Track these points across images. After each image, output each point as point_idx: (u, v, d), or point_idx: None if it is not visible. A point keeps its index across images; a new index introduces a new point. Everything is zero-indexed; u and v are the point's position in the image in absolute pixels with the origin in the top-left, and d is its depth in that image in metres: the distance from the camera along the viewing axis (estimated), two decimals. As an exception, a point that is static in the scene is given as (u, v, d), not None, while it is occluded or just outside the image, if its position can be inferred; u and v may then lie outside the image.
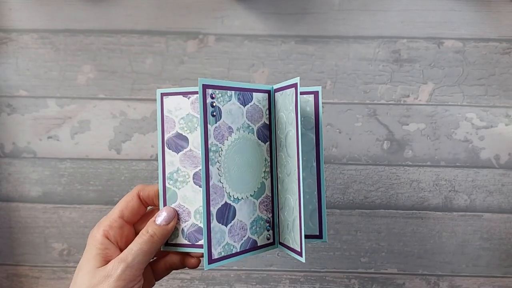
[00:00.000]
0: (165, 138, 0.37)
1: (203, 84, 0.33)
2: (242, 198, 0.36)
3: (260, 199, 0.37)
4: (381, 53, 0.53)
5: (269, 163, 0.38)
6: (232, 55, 0.54)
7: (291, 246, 0.36)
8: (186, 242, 0.37)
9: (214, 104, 0.34)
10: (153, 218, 0.36)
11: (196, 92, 0.35)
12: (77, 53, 0.54)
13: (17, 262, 0.59)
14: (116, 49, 0.54)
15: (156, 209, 0.39)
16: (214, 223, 0.34)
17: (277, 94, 0.37)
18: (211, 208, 0.34)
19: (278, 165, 0.37)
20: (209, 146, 0.33)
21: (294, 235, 0.35)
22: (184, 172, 0.36)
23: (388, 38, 0.53)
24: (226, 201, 0.35)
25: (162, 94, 0.36)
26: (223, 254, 0.35)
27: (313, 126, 0.36)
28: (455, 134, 0.55)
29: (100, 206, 0.58)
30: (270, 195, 0.38)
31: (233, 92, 0.35)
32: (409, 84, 0.54)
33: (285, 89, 0.35)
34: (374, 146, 0.55)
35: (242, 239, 0.36)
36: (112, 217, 0.36)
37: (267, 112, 0.37)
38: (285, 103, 0.35)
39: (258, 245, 0.37)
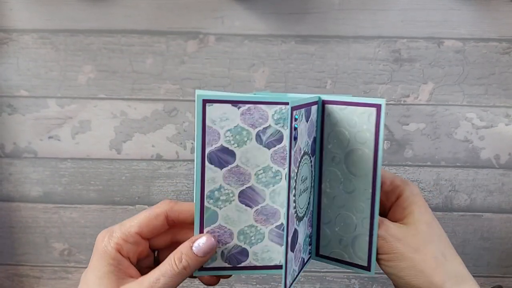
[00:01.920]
0: (207, 152, 0.32)
1: (292, 107, 0.29)
2: (301, 220, 0.34)
3: (308, 216, 0.35)
4: (381, 52, 0.53)
5: (313, 178, 0.36)
6: (232, 55, 0.54)
7: (349, 260, 0.35)
8: (225, 265, 0.34)
9: (295, 127, 0.30)
10: (188, 244, 0.31)
11: (249, 102, 0.31)
12: (77, 53, 0.54)
13: (18, 262, 0.59)
14: (116, 49, 0.54)
15: (180, 225, 0.34)
16: (290, 255, 0.31)
17: (332, 107, 0.34)
18: (289, 239, 0.30)
19: (326, 180, 0.36)
20: (291, 172, 0.30)
21: (355, 251, 0.35)
22: (228, 190, 0.33)
23: (388, 37, 0.53)
24: (295, 228, 0.32)
25: (205, 101, 0.31)
26: (291, 281, 0.33)
27: (366, 141, 0.33)
28: (455, 134, 0.55)
29: (101, 206, 0.58)
30: (312, 209, 0.36)
31: (303, 109, 0.31)
32: (409, 84, 0.54)
33: (353, 105, 0.33)
34: (374, 145, 0.55)
35: (298, 261, 0.34)
36: (128, 230, 0.31)
37: (318, 126, 0.35)
38: (351, 119, 0.33)
39: (305, 261, 0.36)
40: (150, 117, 0.55)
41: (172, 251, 0.32)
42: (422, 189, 0.56)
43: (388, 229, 0.34)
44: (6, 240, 0.59)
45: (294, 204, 0.31)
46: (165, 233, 0.34)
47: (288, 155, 0.29)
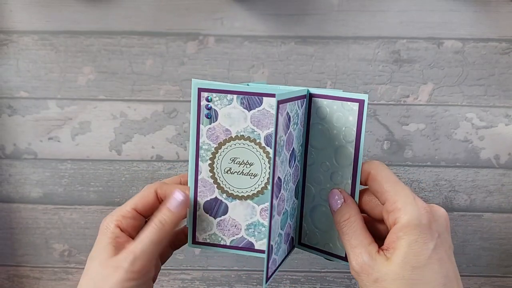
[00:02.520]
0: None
1: (198, 88, 0.33)
2: (238, 199, 0.36)
3: (262, 206, 0.36)
4: (381, 53, 0.53)
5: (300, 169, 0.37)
6: (232, 56, 0.54)
7: (333, 252, 0.36)
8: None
9: (209, 107, 0.34)
10: (164, 202, 0.34)
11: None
12: (77, 54, 0.54)
13: (18, 263, 0.59)
14: (116, 51, 0.54)
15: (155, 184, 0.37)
16: (201, 211, 0.36)
17: (320, 101, 0.35)
18: (199, 199, 0.36)
19: (312, 172, 0.37)
20: (200, 144, 0.34)
21: (339, 242, 0.35)
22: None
23: (387, 38, 0.53)
24: (216, 197, 0.36)
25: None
26: (208, 241, 0.36)
27: (354, 139, 0.34)
28: (455, 134, 0.55)
29: (101, 207, 0.58)
30: (299, 201, 0.37)
31: (235, 96, 0.34)
32: (409, 85, 0.54)
33: (336, 99, 0.34)
34: (374, 146, 0.55)
35: (234, 236, 0.37)
36: (125, 208, 0.35)
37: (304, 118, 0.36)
38: (337, 114, 0.34)
39: (255, 248, 0.37)
40: (150, 118, 0.55)
41: None
42: (422, 189, 0.56)
43: (365, 266, 0.29)
44: (6, 241, 0.59)
45: (211, 174, 0.35)
46: (148, 197, 0.36)
47: (194, 128, 0.33)
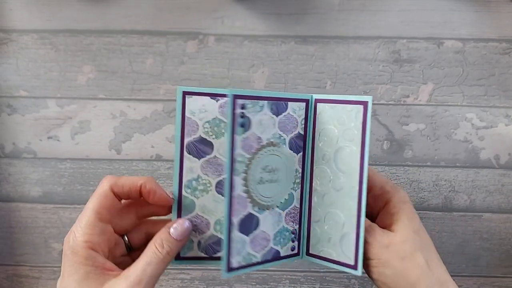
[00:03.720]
0: (185, 142, 0.33)
1: (233, 95, 0.31)
2: (267, 209, 0.34)
3: (287, 210, 0.36)
4: (381, 53, 0.53)
5: (300, 174, 0.36)
6: (232, 55, 0.54)
7: (337, 259, 0.35)
8: (202, 254, 0.35)
9: (244, 115, 0.32)
10: (165, 229, 0.31)
11: (226, 95, 0.33)
12: (77, 53, 0.54)
13: (17, 263, 0.59)
14: (116, 50, 0.54)
15: (133, 202, 0.35)
16: (235, 233, 0.33)
17: (324, 106, 0.35)
18: (233, 218, 0.32)
19: (318, 178, 0.36)
20: (234, 156, 0.31)
21: (343, 249, 0.35)
22: (206, 180, 0.34)
23: (388, 38, 0.53)
24: (249, 212, 0.33)
25: (185, 93, 0.33)
26: (242, 263, 0.34)
27: (354, 139, 0.34)
28: (455, 134, 0.55)
29: (100, 206, 0.58)
30: (298, 206, 0.37)
31: (265, 102, 0.33)
32: (409, 85, 0.54)
33: (342, 103, 0.34)
34: (374, 146, 0.55)
35: (264, 249, 0.35)
36: (89, 222, 0.30)
37: (303, 122, 0.35)
38: (340, 117, 0.34)
39: (281, 255, 0.36)
40: (150, 117, 0.55)
41: (140, 229, 0.33)
42: (422, 189, 0.56)
43: (376, 235, 0.34)
44: (5, 240, 0.59)
45: (245, 188, 0.32)
46: (127, 214, 0.34)
47: (230, 139, 0.30)
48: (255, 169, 0.33)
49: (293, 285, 0.59)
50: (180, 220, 0.32)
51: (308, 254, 0.38)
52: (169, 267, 0.58)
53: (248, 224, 0.34)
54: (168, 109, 0.55)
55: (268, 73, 0.54)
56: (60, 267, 0.59)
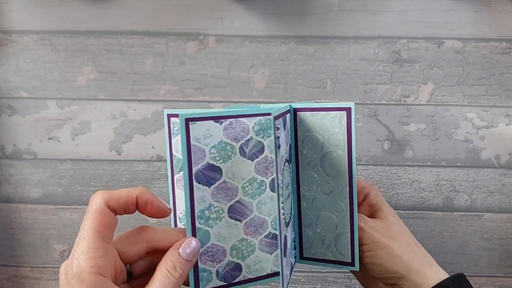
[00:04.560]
0: (194, 171, 0.31)
1: (274, 117, 0.28)
2: (287, 225, 0.34)
3: (291, 221, 0.36)
4: (381, 53, 0.53)
5: (293, 183, 0.37)
6: (232, 56, 0.54)
7: (333, 258, 0.37)
8: (221, 283, 0.33)
9: (278, 136, 0.30)
10: (175, 251, 0.29)
11: (230, 117, 0.31)
12: (77, 54, 0.54)
13: (18, 263, 0.59)
14: (116, 50, 0.54)
15: (143, 230, 0.32)
16: (284, 260, 0.32)
17: (302, 114, 0.35)
18: (282, 242, 0.31)
19: (304, 184, 0.37)
20: (279, 180, 0.29)
21: (338, 249, 0.37)
22: (218, 207, 0.32)
23: (388, 38, 0.53)
24: (285, 234, 0.33)
25: (188, 120, 0.31)
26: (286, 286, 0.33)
27: (339, 144, 0.35)
28: (455, 134, 0.55)
29: (101, 207, 0.58)
30: (294, 214, 0.37)
31: (281, 118, 0.31)
32: (409, 84, 0.54)
33: (320, 110, 0.34)
34: (374, 146, 0.55)
35: (289, 266, 0.35)
36: (91, 244, 0.27)
37: (292, 133, 0.36)
38: (323, 124, 0.35)
39: (293, 264, 0.37)
40: (150, 118, 0.55)
41: (145, 258, 0.31)
42: (423, 189, 0.56)
43: (367, 221, 0.37)
44: (6, 241, 0.59)
45: (282, 211, 0.31)
46: (139, 244, 0.31)
47: (275, 163, 0.29)
48: (284, 189, 0.33)
49: (294, 285, 0.59)
50: (189, 239, 0.30)
51: (302, 258, 0.39)
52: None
53: (285, 246, 0.33)
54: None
55: (268, 74, 0.54)
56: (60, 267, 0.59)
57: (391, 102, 0.54)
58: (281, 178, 0.31)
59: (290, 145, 0.36)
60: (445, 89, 0.54)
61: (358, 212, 0.38)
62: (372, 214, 0.40)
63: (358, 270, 0.37)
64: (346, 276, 0.58)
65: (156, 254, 0.31)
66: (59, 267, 0.59)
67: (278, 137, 0.30)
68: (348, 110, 0.34)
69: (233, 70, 0.54)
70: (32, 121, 0.56)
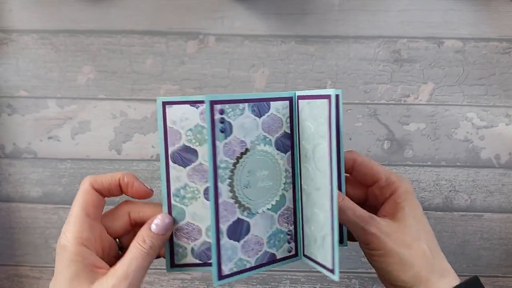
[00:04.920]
0: (169, 152, 0.34)
1: (210, 101, 0.31)
2: (258, 212, 0.34)
3: (280, 212, 0.35)
4: (381, 53, 0.53)
5: (291, 174, 0.36)
6: (232, 55, 0.54)
7: (321, 262, 0.34)
8: (197, 261, 0.35)
9: (223, 120, 0.32)
10: (147, 226, 0.32)
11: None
12: (77, 53, 0.54)
13: (17, 263, 0.59)
14: (116, 50, 0.54)
15: (124, 201, 0.36)
16: (225, 240, 0.33)
17: (303, 102, 0.34)
18: (221, 226, 0.32)
19: (303, 177, 0.35)
20: (217, 163, 0.31)
21: (325, 251, 0.33)
22: (193, 187, 0.34)
23: (388, 38, 0.53)
24: (238, 217, 0.33)
25: (164, 103, 0.33)
26: (235, 270, 0.34)
27: (324, 135, 0.32)
28: (455, 134, 0.55)
29: (101, 207, 0.58)
30: (292, 206, 0.36)
31: (246, 104, 0.32)
32: (409, 84, 0.54)
33: (314, 98, 0.33)
34: (374, 146, 0.55)
35: (257, 254, 0.35)
36: (77, 218, 0.31)
37: (288, 121, 0.35)
38: (314, 113, 0.33)
39: (278, 258, 0.36)
40: (150, 117, 0.55)
41: (131, 231, 0.34)
42: (423, 189, 0.56)
43: (379, 226, 0.34)
44: (6, 240, 0.59)
45: (231, 194, 0.32)
46: (120, 217, 0.34)
47: (210, 146, 0.31)
48: (241, 173, 0.33)
49: (293, 285, 0.59)
50: (161, 216, 0.33)
51: (304, 255, 0.37)
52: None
53: (238, 230, 0.33)
54: (168, 109, 0.55)
55: (268, 73, 0.54)
56: (60, 267, 0.59)
57: (391, 102, 0.54)
58: (231, 161, 0.32)
59: (288, 134, 0.35)
60: (445, 89, 0.54)
61: (380, 209, 0.37)
62: (394, 213, 0.36)
63: (337, 280, 0.33)
64: (346, 276, 0.58)
65: (140, 227, 0.34)
66: (58, 267, 0.59)
67: (223, 121, 0.31)
68: (328, 97, 0.31)
69: (233, 70, 0.54)
70: (32, 120, 0.56)
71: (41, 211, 0.58)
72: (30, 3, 0.53)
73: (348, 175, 0.40)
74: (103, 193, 0.34)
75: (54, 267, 0.58)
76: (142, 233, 0.32)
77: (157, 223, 0.32)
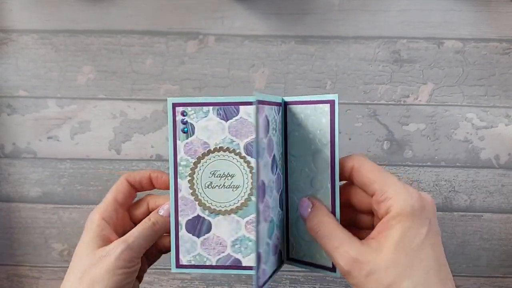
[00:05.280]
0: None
1: (172, 103, 0.33)
2: (220, 214, 0.34)
3: (247, 219, 0.34)
4: (381, 53, 0.53)
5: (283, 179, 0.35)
6: (232, 55, 0.54)
7: (319, 263, 0.34)
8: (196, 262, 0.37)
9: (185, 121, 0.33)
10: (156, 209, 0.37)
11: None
12: (77, 53, 0.54)
13: (17, 263, 0.59)
14: (116, 50, 0.54)
15: (147, 194, 0.40)
16: (183, 232, 0.35)
17: (293, 107, 0.34)
18: (180, 218, 0.35)
19: (294, 180, 0.35)
20: (178, 160, 0.34)
21: (321, 252, 0.33)
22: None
23: (388, 38, 0.53)
24: (198, 214, 0.35)
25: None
26: (193, 262, 0.35)
27: (329, 141, 0.32)
28: (455, 134, 0.55)
29: (100, 207, 0.58)
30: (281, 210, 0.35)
31: (210, 107, 0.33)
32: (409, 85, 0.54)
33: (309, 103, 0.32)
34: (374, 146, 0.55)
35: (219, 254, 0.35)
36: (106, 201, 0.37)
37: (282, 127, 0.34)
38: (312, 119, 0.33)
39: (243, 265, 0.35)
40: (150, 117, 0.55)
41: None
42: (422, 189, 0.56)
43: (346, 256, 0.28)
44: (6, 240, 0.59)
45: (191, 191, 0.34)
46: (138, 204, 0.39)
47: (171, 144, 0.33)
48: (202, 173, 0.34)
49: (293, 285, 0.59)
50: (168, 204, 0.37)
51: (289, 258, 0.36)
52: (169, 266, 0.58)
53: (198, 226, 0.35)
54: (168, 109, 0.55)
55: (268, 73, 0.54)
56: (60, 267, 0.59)
57: (390, 102, 0.54)
58: (192, 160, 0.34)
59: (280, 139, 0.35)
60: (444, 89, 0.54)
61: (373, 231, 0.30)
62: (380, 240, 0.28)
63: (338, 276, 0.31)
64: (345, 276, 0.58)
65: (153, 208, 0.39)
66: (58, 266, 0.59)
67: (185, 122, 0.33)
68: (331, 102, 0.31)
69: (233, 70, 0.54)
70: (32, 120, 0.56)
71: (40, 211, 0.58)
72: (30, 3, 0.53)
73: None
74: (135, 186, 0.38)
75: (53, 267, 0.59)
76: (151, 214, 0.37)
77: (164, 208, 0.36)
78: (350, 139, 0.55)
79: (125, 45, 0.54)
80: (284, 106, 0.34)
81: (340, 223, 0.32)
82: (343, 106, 0.55)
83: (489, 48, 0.53)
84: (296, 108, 0.34)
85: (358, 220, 0.35)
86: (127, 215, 0.38)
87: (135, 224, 0.38)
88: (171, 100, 0.33)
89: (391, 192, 0.29)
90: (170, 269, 0.59)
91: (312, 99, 0.32)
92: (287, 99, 0.34)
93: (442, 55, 0.53)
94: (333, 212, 0.32)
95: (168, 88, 0.54)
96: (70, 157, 0.56)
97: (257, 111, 0.28)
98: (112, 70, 0.54)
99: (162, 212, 0.36)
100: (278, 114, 0.34)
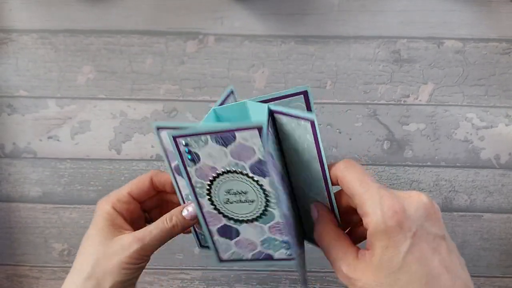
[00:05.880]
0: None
1: (173, 136, 0.32)
2: (243, 222, 0.36)
3: (269, 224, 0.36)
4: (381, 53, 0.53)
5: (277, 195, 0.35)
6: (232, 55, 0.54)
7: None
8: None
9: (190, 151, 0.33)
10: (179, 208, 0.36)
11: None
12: (77, 53, 0.54)
13: (17, 262, 0.59)
14: (116, 50, 0.54)
15: (167, 194, 0.39)
16: (217, 237, 0.36)
17: (279, 117, 0.33)
18: (211, 227, 0.36)
19: (298, 191, 0.37)
20: (193, 184, 0.34)
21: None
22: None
23: (388, 38, 0.53)
24: (225, 223, 0.36)
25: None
26: (232, 257, 0.37)
27: (317, 156, 0.32)
28: (455, 134, 0.55)
29: (100, 207, 0.58)
30: (283, 221, 0.36)
31: (208, 136, 0.32)
32: (409, 84, 0.54)
33: (292, 117, 0.32)
34: (374, 146, 0.55)
35: (252, 251, 0.37)
36: (121, 191, 0.37)
37: (262, 149, 0.33)
38: (298, 132, 0.32)
39: (275, 258, 0.37)
40: (150, 117, 0.55)
41: (160, 212, 0.38)
42: (422, 189, 0.56)
43: (346, 269, 0.28)
44: (5, 240, 0.59)
45: (213, 206, 0.35)
46: (153, 199, 0.39)
47: (184, 172, 0.34)
48: (218, 192, 0.34)
49: (293, 285, 0.59)
50: (191, 207, 0.36)
51: (305, 238, 0.39)
52: (168, 267, 0.58)
53: (228, 232, 0.36)
54: (168, 109, 0.55)
55: (268, 73, 0.54)
56: (60, 267, 0.59)
57: (390, 102, 0.54)
58: (205, 183, 0.34)
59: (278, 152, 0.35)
60: (445, 89, 0.54)
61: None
62: (369, 246, 0.28)
63: None
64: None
65: (162, 194, 0.39)
66: (58, 266, 0.59)
67: (189, 152, 0.33)
68: (311, 121, 0.30)
69: (233, 70, 0.54)
70: (32, 120, 0.56)
71: (40, 211, 0.58)
72: (30, 3, 0.53)
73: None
74: (158, 186, 0.38)
75: (53, 267, 0.59)
76: (173, 212, 0.35)
77: (189, 210, 0.35)
78: (350, 139, 0.55)
79: (125, 45, 0.54)
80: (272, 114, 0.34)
81: (347, 225, 0.34)
82: (343, 106, 0.55)
83: (489, 48, 0.53)
84: (282, 119, 0.33)
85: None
86: (137, 206, 0.38)
87: (144, 211, 0.39)
88: (171, 134, 0.32)
89: (367, 208, 0.28)
90: (170, 269, 0.59)
91: (291, 113, 0.31)
92: (272, 107, 0.33)
93: (442, 55, 0.53)
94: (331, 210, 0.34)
95: (168, 88, 0.54)
96: (70, 157, 0.57)
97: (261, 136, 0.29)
98: (112, 70, 0.54)
99: (186, 214, 0.35)
100: (269, 121, 0.33)
